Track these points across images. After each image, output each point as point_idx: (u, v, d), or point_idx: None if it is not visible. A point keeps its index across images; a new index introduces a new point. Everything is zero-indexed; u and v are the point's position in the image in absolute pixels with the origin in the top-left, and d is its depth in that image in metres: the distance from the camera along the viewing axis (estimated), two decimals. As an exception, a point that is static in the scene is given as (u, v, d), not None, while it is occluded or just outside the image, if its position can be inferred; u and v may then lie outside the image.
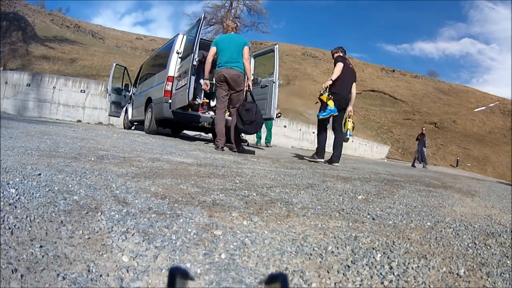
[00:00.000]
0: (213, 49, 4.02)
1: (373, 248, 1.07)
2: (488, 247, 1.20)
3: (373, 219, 1.43)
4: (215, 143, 4.07)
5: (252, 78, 5.67)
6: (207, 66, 4.05)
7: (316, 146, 4.37)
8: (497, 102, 29.65)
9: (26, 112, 9.43)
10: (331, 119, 4.18)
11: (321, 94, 4.05)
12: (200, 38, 4.54)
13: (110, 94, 7.89)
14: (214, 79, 4.12)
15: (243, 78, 3.99)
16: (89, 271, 0.76)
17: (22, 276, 0.69)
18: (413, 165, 11.29)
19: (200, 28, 4.48)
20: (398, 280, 0.88)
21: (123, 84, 8.15)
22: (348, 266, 0.93)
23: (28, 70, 11.08)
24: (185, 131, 7.59)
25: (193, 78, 4.33)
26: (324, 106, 4.03)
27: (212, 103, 6.04)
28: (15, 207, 1.01)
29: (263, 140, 9.47)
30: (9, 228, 0.88)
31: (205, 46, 5.19)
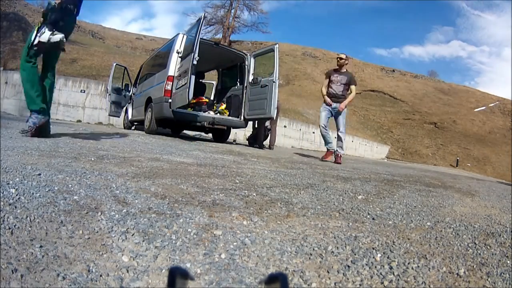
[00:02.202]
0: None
1: (373, 248, 1.07)
2: (488, 247, 1.20)
3: (373, 219, 1.43)
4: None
5: (253, 78, 5.75)
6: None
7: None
8: (497, 102, 29.62)
9: (26, 112, 9.43)
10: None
11: None
12: (200, 38, 4.54)
13: (110, 94, 7.87)
14: None
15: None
16: (89, 271, 0.76)
17: (22, 276, 0.69)
18: None
19: (200, 28, 4.48)
20: (398, 280, 0.88)
21: (123, 84, 8.14)
22: (348, 266, 0.93)
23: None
24: (185, 131, 7.59)
25: (193, 77, 4.33)
26: None
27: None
28: (15, 207, 1.01)
29: None
30: (9, 228, 0.88)
31: (205, 45, 5.19)
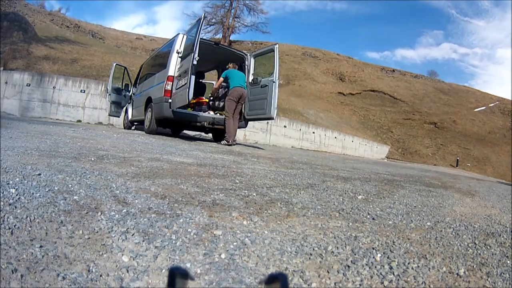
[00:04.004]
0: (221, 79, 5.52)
1: (373, 248, 1.07)
2: (488, 247, 1.20)
3: (373, 219, 1.43)
4: (225, 140, 5.27)
5: (252, 78, 5.76)
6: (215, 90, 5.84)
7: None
8: (497, 102, 29.61)
9: (26, 112, 9.43)
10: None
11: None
12: (200, 38, 4.54)
13: (110, 94, 7.87)
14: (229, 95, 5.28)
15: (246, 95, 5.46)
16: (89, 271, 0.76)
17: (22, 276, 0.69)
18: None
19: (200, 27, 4.48)
20: (398, 280, 0.88)
21: (123, 84, 8.14)
22: (348, 266, 0.93)
23: (29, 70, 11.08)
24: (185, 131, 7.58)
25: (193, 77, 4.32)
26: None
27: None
28: (15, 207, 1.01)
29: None
30: (9, 228, 0.88)
31: (204, 45, 5.19)
